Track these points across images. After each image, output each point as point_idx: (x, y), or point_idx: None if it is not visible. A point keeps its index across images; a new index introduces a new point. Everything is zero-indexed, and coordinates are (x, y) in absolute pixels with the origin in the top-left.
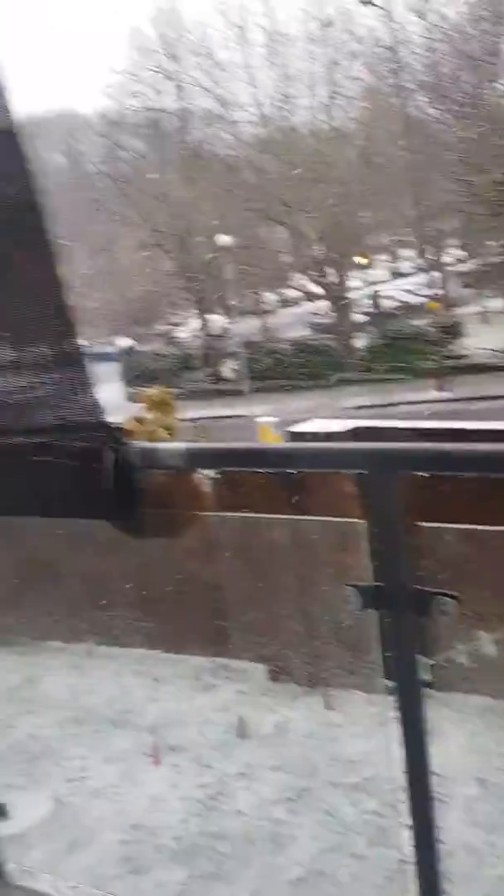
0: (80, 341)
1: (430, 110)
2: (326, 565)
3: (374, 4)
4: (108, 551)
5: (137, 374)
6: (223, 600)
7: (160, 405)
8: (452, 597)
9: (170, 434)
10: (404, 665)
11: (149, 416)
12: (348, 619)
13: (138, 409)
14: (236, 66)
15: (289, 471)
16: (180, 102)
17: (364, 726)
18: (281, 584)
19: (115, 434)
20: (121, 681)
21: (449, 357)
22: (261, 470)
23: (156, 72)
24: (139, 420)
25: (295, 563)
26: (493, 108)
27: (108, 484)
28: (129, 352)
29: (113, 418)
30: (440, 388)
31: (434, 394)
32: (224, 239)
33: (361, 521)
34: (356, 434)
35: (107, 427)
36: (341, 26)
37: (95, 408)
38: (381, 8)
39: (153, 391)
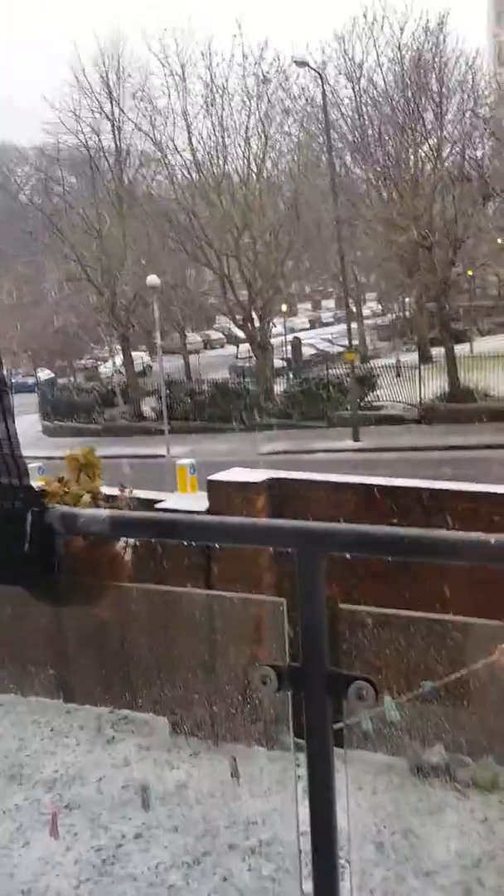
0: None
1: (357, 170)
2: (243, 641)
3: (308, 66)
4: (20, 604)
5: (56, 406)
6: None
7: (86, 467)
8: (370, 681)
9: (94, 499)
10: (315, 742)
11: (73, 478)
12: (259, 692)
13: (63, 468)
14: (174, 113)
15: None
16: (117, 143)
17: (264, 785)
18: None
19: (36, 497)
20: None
21: (363, 407)
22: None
23: (95, 111)
24: (61, 482)
25: (210, 637)
26: (414, 171)
27: (24, 549)
28: (49, 384)
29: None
30: (354, 438)
31: (349, 442)
32: (152, 278)
33: (280, 599)
34: (271, 485)
35: (28, 489)
36: (277, 84)
37: (18, 468)
38: (315, 70)
39: (78, 452)
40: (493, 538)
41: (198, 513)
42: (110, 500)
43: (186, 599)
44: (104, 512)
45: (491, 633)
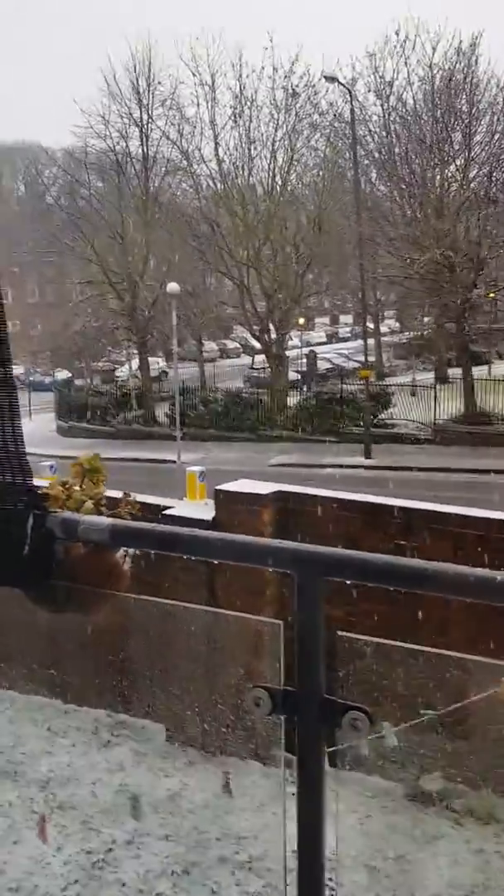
0: (15, 368)
1: (382, 187)
2: (239, 659)
3: (338, 81)
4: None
5: (71, 407)
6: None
7: (90, 472)
8: (365, 712)
9: (97, 506)
10: (306, 767)
11: (77, 483)
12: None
13: (68, 472)
14: (202, 122)
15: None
16: (145, 149)
17: (258, 800)
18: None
19: (39, 500)
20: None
21: (376, 425)
22: (184, 556)
23: (124, 117)
24: (65, 486)
25: (207, 652)
26: (438, 191)
27: (23, 552)
28: (66, 384)
29: (38, 480)
30: (366, 455)
31: (360, 459)
32: (172, 285)
33: (278, 621)
34: (278, 498)
35: (31, 492)
36: (305, 98)
37: (22, 469)
38: (345, 86)
39: (84, 457)
40: (499, 575)
41: (202, 522)
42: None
43: (184, 613)
44: (105, 520)
45: (491, 669)
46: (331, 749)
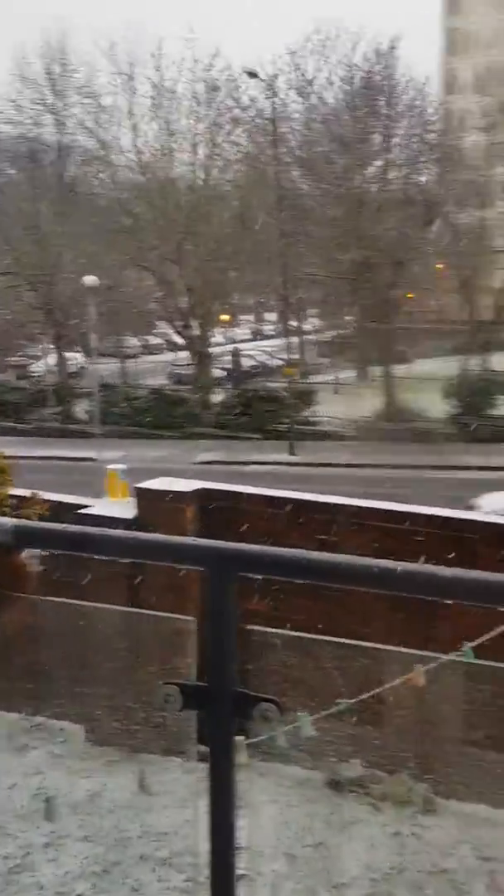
0: None
1: (304, 185)
2: (154, 657)
3: (258, 77)
4: None
5: None
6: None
7: None
8: (276, 703)
9: (0, 506)
10: (218, 760)
11: None
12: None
13: None
14: (120, 112)
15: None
16: (60, 137)
17: (178, 796)
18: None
19: None
20: None
21: (300, 422)
22: (95, 556)
23: (37, 103)
24: None
25: (123, 651)
26: (360, 191)
27: None
28: None
29: None
30: (290, 452)
31: (284, 456)
32: (89, 278)
33: (191, 617)
34: (202, 496)
35: None
36: (227, 92)
37: None
38: (266, 82)
39: None
40: (399, 567)
41: (123, 521)
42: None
43: (100, 612)
44: (8, 521)
45: (402, 657)
46: (249, 742)
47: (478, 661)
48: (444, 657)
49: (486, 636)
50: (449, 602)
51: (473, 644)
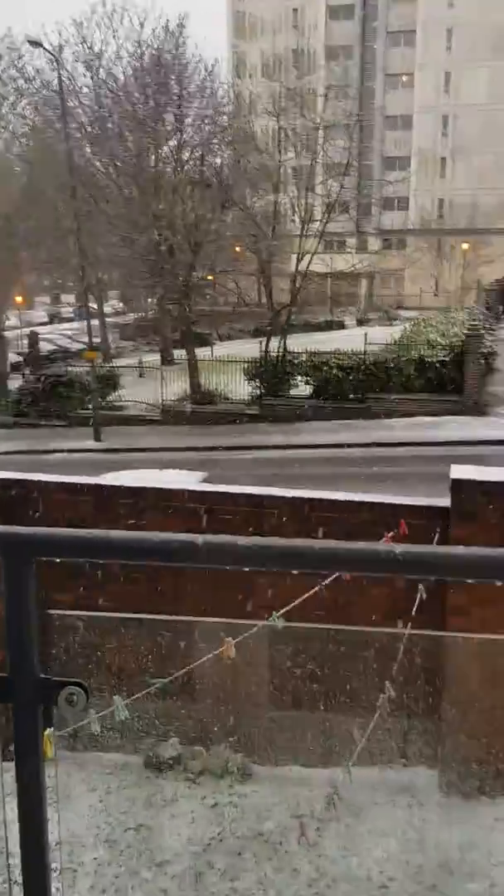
0: None
1: (97, 163)
2: None
3: (43, 47)
4: None
5: None
6: None
7: None
8: (81, 685)
9: None
10: (24, 753)
11: None
12: None
13: None
14: None
15: None
16: None
17: None
18: None
19: None
20: None
21: (105, 407)
22: None
23: None
24: None
25: None
26: (155, 172)
27: None
28: None
29: None
30: (96, 438)
31: (90, 443)
32: None
33: None
34: (3, 486)
35: None
36: (10, 61)
37: None
38: (51, 52)
39: None
40: (200, 539)
41: None
42: None
43: None
44: None
45: (214, 629)
46: (61, 732)
47: (285, 623)
48: (254, 626)
49: (294, 603)
50: (253, 572)
51: (280, 613)
